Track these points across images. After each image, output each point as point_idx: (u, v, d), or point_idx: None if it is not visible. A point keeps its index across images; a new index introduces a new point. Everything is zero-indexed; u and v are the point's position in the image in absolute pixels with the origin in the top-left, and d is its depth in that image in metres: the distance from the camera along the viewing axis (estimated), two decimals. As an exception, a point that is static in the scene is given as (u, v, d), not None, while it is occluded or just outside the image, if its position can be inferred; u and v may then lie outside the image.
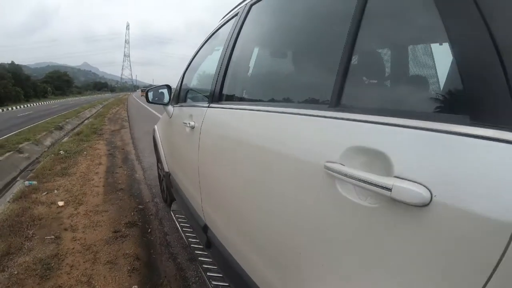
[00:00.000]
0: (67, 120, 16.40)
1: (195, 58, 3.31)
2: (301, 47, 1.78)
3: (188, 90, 3.29)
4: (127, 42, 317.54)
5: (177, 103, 3.33)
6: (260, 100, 1.89)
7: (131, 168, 6.52)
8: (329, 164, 0.95)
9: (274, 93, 1.82)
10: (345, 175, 0.89)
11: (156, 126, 4.35)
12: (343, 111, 1.03)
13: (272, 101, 1.77)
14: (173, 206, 3.37)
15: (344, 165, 0.92)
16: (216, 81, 2.17)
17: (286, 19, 1.79)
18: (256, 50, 2.15)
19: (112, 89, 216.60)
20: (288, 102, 1.60)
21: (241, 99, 2.09)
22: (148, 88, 3.60)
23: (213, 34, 2.82)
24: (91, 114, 22.12)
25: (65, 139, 10.93)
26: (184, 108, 2.92)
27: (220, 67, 2.16)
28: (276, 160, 1.29)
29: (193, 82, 3.33)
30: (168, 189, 3.81)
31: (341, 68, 1.07)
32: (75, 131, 12.95)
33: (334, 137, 1.02)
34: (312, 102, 1.40)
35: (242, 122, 1.71)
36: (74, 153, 7.85)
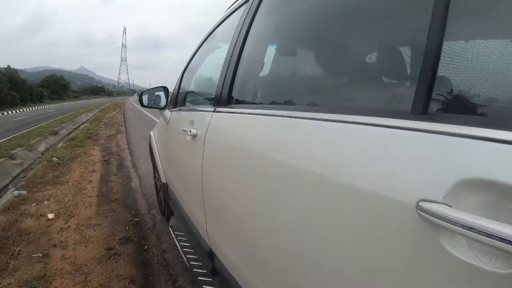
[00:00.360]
0: (63, 125, 16.04)
1: (194, 57, 2.98)
2: (356, 34, 1.26)
3: (188, 93, 2.97)
4: (124, 46, 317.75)
5: (175, 107, 3.00)
6: (289, 103, 1.53)
7: (127, 176, 6.21)
8: (426, 205, 0.61)
9: (311, 93, 1.39)
10: (455, 222, 0.55)
11: (152, 132, 4.03)
12: (438, 121, 0.69)
13: (311, 104, 1.35)
14: (172, 222, 3.02)
15: (451, 207, 0.58)
16: (224, 81, 1.85)
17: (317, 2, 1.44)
18: (275, 42, 1.82)
19: (109, 93, 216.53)
20: (335, 106, 1.14)
21: (260, 102, 1.78)
22: (142, 91, 3.27)
23: (215, 28, 2.50)
24: (87, 119, 21.78)
25: (60, 144, 10.59)
26: (183, 112, 2.60)
27: (228, 65, 1.84)
28: (323, 190, 0.92)
29: (193, 83, 3.01)
30: (166, 201, 3.46)
31: (431, 58, 0.73)
32: (70, 136, 12.65)
33: (431, 161, 0.66)
34: (374, 106, 0.98)
35: (263, 131, 1.35)
36: (67, 159, 7.54)
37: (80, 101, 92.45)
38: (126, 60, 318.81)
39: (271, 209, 1.18)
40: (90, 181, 5.80)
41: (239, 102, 1.76)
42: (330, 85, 1.33)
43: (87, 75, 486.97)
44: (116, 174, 6.34)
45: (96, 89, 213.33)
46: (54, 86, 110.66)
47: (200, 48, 2.83)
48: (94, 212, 4.35)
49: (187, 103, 2.86)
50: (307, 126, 1.08)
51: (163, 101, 3.04)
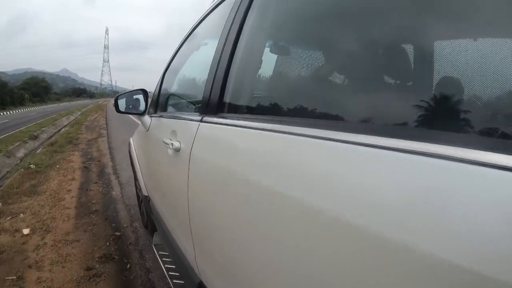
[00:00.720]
0: (43, 128, 15.52)
1: (177, 55, 2.67)
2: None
3: (170, 96, 2.67)
4: (106, 47, 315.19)
5: (155, 112, 2.69)
6: (296, 115, 1.16)
7: (107, 184, 5.88)
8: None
9: (325, 103, 1.06)
10: None
11: (131, 140, 3.71)
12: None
13: (328, 118, 1.00)
14: (155, 239, 2.70)
15: None
16: (213, 84, 1.54)
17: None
18: (278, 39, 1.53)
19: (91, 95, 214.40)
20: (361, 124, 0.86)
21: (260, 111, 1.40)
22: (118, 94, 2.94)
23: (200, 22, 2.19)
24: (68, 122, 21.24)
25: (39, 150, 10.18)
26: (164, 119, 2.29)
27: (218, 65, 1.53)
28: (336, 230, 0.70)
29: (175, 86, 2.69)
30: (148, 215, 3.14)
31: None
32: (50, 141, 12.20)
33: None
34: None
35: (262, 151, 1.07)
36: (45, 167, 7.16)
37: (62, 104, 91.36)
38: (108, 61, 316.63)
39: (274, 242, 0.92)
40: (68, 191, 5.47)
41: (232, 111, 1.46)
42: (355, 97, 0.99)
43: (70, 76, 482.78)
44: (96, 182, 6.01)
45: (79, 91, 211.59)
46: (36, 89, 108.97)
47: (183, 45, 2.52)
48: (72, 226, 4.02)
49: (169, 108, 2.56)
50: (323, 148, 0.82)
51: (142, 106, 2.73)
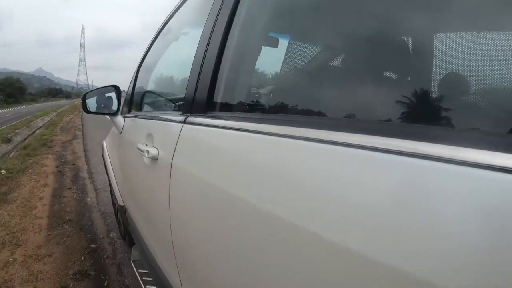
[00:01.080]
0: (17, 131, 14.94)
1: (152, 48, 2.36)
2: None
3: (145, 93, 2.38)
4: (82, 46, 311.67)
5: (129, 111, 2.40)
6: (310, 113, 0.90)
7: (82, 190, 5.53)
8: None
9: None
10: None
11: (104, 142, 3.38)
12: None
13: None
14: (134, 254, 2.36)
15: None
16: (198, 78, 1.25)
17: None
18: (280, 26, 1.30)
19: (67, 95, 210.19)
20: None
21: (263, 109, 1.14)
22: (86, 92, 2.60)
23: (178, 8, 1.89)
24: (43, 123, 20.54)
25: (12, 153, 9.71)
26: (139, 120, 2.00)
27: (204, 55, 1.25)
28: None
29: (152, 82, 2.40)
30: (125, 226, 2.84)
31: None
32: (24, 144, 11.69)
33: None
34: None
35: (269, 156, 0.81)
36: (17, 172, 6.73)
37: (37, 104, 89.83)
38: (85, 60, 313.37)
39: (276, 267, 0.74)
40: (40, 198, 5.10)
41: (226, 109, 1.18)
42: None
43: (45, 76, 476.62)
44: (70, 188, 5.65)
45: (54, 91, 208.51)
46: (10, 89, 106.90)
47: (159, 36, 2.22)
48: (44, 238, 3.69)
49: (145, 107, 2.27)
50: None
51: (114, 105, 2.43)
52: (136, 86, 2.46)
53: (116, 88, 2.43)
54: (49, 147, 10.38)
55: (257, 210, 0.75)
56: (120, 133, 2.34)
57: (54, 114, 30.77)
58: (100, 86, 2.66)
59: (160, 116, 1.67)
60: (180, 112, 1.37)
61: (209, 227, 1.01)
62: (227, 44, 1.17)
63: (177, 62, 1.96)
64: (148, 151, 1.41)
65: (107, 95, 2.49)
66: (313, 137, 0.66)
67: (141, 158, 1.58)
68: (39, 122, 20.68)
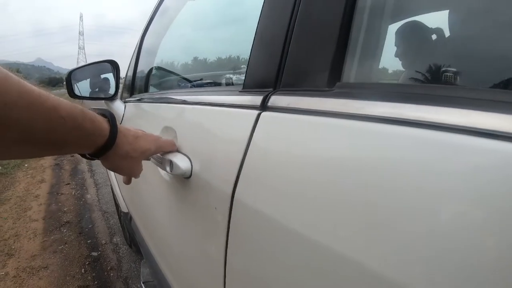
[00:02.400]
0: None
1: (160, 11, 1.83)
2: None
3: (155, 70, 1.89)
4: (81, 34, 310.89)
5: (131, 94, 1.90)
6: None
7: (81, 185, 5.09)
8: None
9: None
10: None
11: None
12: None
13: None
14: (143, 273, 1.86)
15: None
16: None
17: None
18: None
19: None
20: None
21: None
22: (72, 69, 1.93)
23: None
24: (42, 113, 20.39)
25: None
26: (146, 105, 1.48)
27: None
28: None
29: (163, 53, 1.90)
30: (131, 234, 2.34)
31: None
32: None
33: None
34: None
35: None
36: (12, 167, 6.30)
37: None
38: (84, 48, 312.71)
39: None
40: (36, 196, 4.66)
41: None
42: None
43: (45, 66, 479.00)
44: (68, 184, 5.20)
45: (55, 80, 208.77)
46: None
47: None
48: (39, 245, 3.23)
49: (157, 86, 1.78)
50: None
51: (111, 87, 1.92)
52: (140, 62, 1.94)
53: (112, 64, 1.89)
54: (48, 139, 9.96)
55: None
56: (120, 124, 1.81)
57: (54, 103, 30.61)
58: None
59: (185, 97, 1.11)
60: (250, 90, 0.78)
61: None
62: None
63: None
64: (171, 163, 0.86)
65: (102, 76, 1.97)
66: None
67: (154, 168, 1.08)
68: (38, 112, 20.50)
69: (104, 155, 0.74)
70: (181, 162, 0.83)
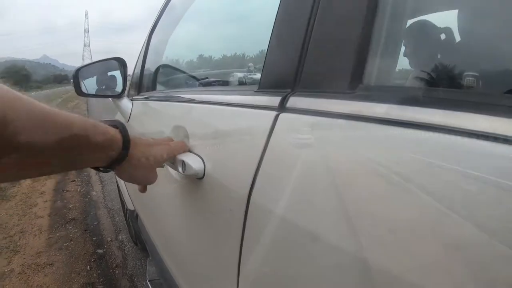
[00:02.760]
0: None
1: (169, 8, 1.83)
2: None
3: (164, 68, 1.88)
4: (86, 31, 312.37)
5: (139, 92, 1.89)
6: None
7: (86, 181, 5.11)
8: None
9: None
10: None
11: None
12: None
13: None
14: (149, 271, 1.87)
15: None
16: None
17: None
18: None
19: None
20: None
21: None
22: (79, 67, 1.93)
23: None
24: (48, 110, 20.52)
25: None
26: (155, 103, 1.49)
27: None
28: None
29: (173, 50, 1.89)
30: (137, 232, 2.37)
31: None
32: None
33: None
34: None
35: None
36: (18, 163, 6.31)
37: (43, 91, 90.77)
38: (89, 45, 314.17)
39: None
40: (42, 193, 4.69)
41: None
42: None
43: (50, 63, 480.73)
44: (74, 180, 5.22)
45: (60, 78, 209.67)
46: (16, 77, 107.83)
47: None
48: (45, 242, 3.25)
49: (166, 84, 1.77)
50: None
51: (119, 84, 1.91)
52: (147, 60, 1.93)
53: (120, 62, 1.88)
54: (53, 135, 10.00)
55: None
56: (128, 121, 1.81)
57: (60, 100, 30.71)
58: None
59: (196, 95, 1.12)
60: (257, 88, 0.79)
61: None
62: None
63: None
64: (183, 163, 0.85)
65: (108, 74, 1.97)
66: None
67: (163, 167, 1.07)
68: (44, 109, 20.60)
69: (118, 167, 0.74)
70: (193, 162, 0.82)
